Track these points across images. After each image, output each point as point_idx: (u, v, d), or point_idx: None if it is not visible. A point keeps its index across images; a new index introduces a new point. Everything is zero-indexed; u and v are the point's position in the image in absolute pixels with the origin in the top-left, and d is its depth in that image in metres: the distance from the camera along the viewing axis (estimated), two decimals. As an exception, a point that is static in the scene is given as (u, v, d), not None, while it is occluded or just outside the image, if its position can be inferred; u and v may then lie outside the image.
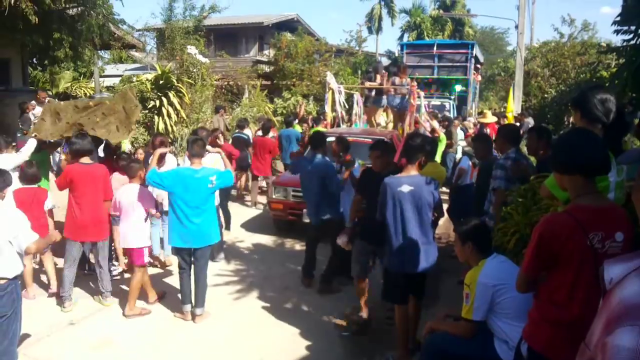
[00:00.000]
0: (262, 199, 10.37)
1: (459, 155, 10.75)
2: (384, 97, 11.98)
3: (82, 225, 5.50)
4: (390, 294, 4.60)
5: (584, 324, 2.24)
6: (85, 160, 5.59)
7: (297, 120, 11.99)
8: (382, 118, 12.90)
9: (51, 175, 7.61)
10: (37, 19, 9.48)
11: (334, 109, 12.52)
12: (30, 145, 6.21)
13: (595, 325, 2.05)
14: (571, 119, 17.99)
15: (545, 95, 22.41)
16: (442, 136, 9.86)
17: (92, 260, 6.13)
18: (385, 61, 31.76)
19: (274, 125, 12.24)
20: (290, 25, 26.30)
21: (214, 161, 6.46)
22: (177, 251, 5.44)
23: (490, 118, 13.83)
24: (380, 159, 5.00)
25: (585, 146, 2.42)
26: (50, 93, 15.77)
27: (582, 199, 2.41)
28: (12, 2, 8.95)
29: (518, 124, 13.60)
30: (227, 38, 25.50)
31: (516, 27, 18.87)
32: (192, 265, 5.37)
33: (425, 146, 4.84)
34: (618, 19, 5.30)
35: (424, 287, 4.63)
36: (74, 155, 5.63)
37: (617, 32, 5.35)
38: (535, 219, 3.33)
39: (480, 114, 17.69)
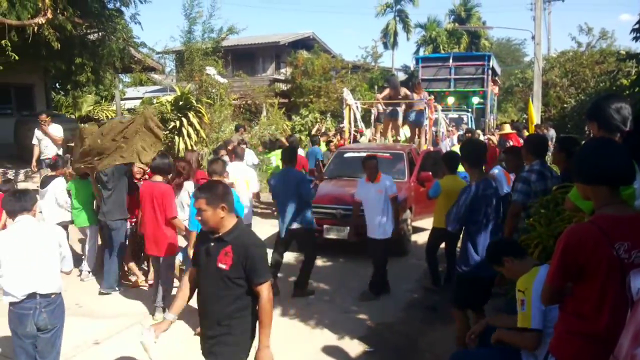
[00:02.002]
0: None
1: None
2: (399, 109, 11.93)
3: (146, 238, 5.95)
4: (471, 300, 4.51)
5: (613, 336, 2.19)
6: (157, 178, 5.96)
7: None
8: (403, 132, 12.89)
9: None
10: (59, 45, 9.71)
11: (356, 125, 12.59)
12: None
13: (624, 337, 2.01)
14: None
15: (565, 105, 22.21)
16: None
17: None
18: (401, 76, 31.82)
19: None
20: (306, 43, 26.54)
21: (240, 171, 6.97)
22: None
23: (508, 129, 13.73)
24: (208, 209, 3.09)
25: (608, 156, 2.36)
26: (73, 116, 16.10)
27: (606, 209, 2.36)
28: (36, 29, 9.20)
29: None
30: (245, 58, 25.82)
31: (533, 37, 18.81)
32: None
33: (485, 150, 4.89)
34: (637, 26, 5.27)
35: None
36: (151, 171, 6.24)
37: (635, 39, 5.33)
38: (558, 231, 3.29)
39: (499, 127, 17.59)
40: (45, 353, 3.92)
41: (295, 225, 6.43)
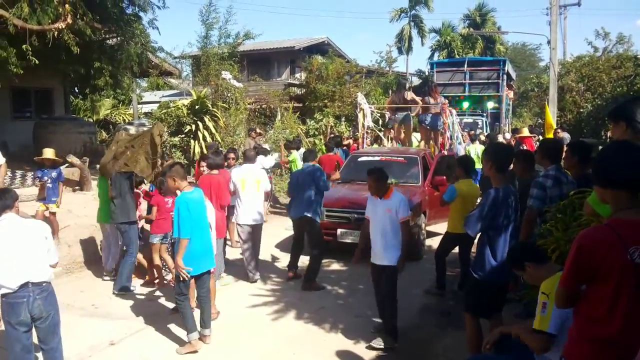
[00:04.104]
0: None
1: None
2: (411, 113, 11.92)
3: None
4: (484, 306, 4.41)
5: (625, 340, 2.18)
6: (214, 172, 6.78)
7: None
8: (415, 137, 12.87)
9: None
10: (78, 50, 9.87)
11: (369, 129, 12.61)
12: None
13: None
14: (609, 134, 17.58)
15: (581, 110, 22.01)
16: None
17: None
18: (415, 80, 31.77)
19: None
20: (321, 48, 26.64)
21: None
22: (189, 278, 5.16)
23: (526, 132, 13.76)
24: None
25: (628, 160, 2.34)
26: (91, 120, 16.27)
27: (623, 213, 2.33)
28: (56, 34, 9.36)
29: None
30: (260, 62, 26.00)
31: (548, 42, 18.66)
32: (198, 289, 5.36)
33: (512, 156, 4.86)
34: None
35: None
36: (209, 168, 7.05)
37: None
38: (574, 236, 3.26)
39: (515, 130, 17.48)
40: (48, 340, 4.12)
41: (305, 214, 7.01)
